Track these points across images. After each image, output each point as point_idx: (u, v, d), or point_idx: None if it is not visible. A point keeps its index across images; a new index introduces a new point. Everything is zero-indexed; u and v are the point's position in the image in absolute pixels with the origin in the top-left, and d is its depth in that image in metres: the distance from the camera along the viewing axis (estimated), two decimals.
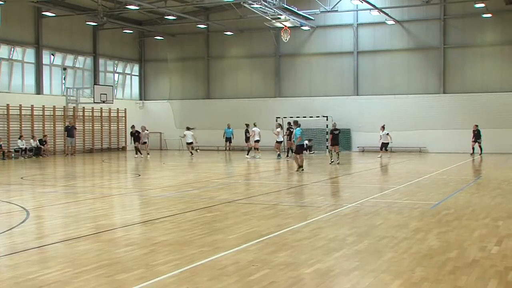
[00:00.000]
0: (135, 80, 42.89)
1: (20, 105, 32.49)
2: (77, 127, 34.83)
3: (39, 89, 34.31)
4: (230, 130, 35.25)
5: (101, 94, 35.56)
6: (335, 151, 25.48)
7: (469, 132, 33.05)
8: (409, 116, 35.27)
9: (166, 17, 36.55)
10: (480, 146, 31.52)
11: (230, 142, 35.45)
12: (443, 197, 13.82)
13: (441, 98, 35.13)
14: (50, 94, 35.20)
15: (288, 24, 33.58)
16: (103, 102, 35.84)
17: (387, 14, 34.40)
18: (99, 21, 35.03)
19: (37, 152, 32.28)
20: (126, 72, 42.09)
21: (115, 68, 41.28)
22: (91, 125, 37.57)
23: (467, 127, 33.66)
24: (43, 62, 34.60)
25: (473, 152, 31.46)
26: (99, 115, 38.12)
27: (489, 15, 33.51)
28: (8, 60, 32.64)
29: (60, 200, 14.08)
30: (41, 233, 10.03)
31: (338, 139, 25.95)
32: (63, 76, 36.94)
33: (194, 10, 38.37)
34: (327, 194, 15.09)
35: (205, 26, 39.63)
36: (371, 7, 33.16)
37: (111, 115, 39.26)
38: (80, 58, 37.71)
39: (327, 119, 35.40)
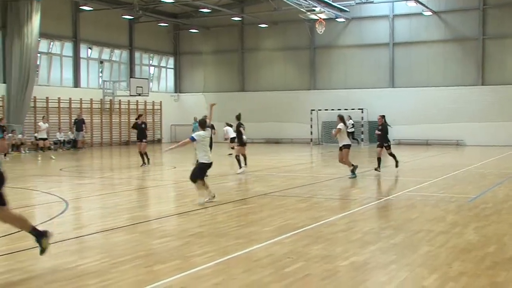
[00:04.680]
0: (170, 73, 43.23)
1: (59, 98, 33.07)
2: (85, 120, 33.24)
3: (76, 82, 34.87)
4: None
5: (137, 87, 35.93)
6: (238, 154, 18.43)
7: (509, 125, 32.34)
8: (445, 108, 34.68)
9: (200, 10, 36.68)
10: (392, 154, 18.26)
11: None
12: (481, 191, 13.57)
13: (479, 90, 34.42)
14: (87, 87, 35.74)
15: (323, 16, 33.35)
16: (139, 95, 36.21)
17: (423, 5, 33.84)
18: (134, 15, 35.39)
19: (75, 144, 32.84)
20: (161, 65, 42.45)
21: (151, 61, 41.67)
22: (127, 118, 38.00)
23: (506, 119, 32.99)
24: (81, 56, 35.15)
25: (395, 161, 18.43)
26: (135, 107, 38.53)
27: None
28: (47, 54, 33.25)
29: (98, 192, 14.31)
30: (80, 223, 10.21)
31: (242, 137, 18.63)
32: (100, 69, 37.46)
33: (229, 3, 38.41)
34: (362, 187, 14.97)
35: (240, 19, 39.65)
36: None
37: (147, 108, 39.66)
38: (117, 52, 38.17)
39: (362, 112, 35.15)
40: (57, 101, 32.99)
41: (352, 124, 31.72)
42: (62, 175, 18.87)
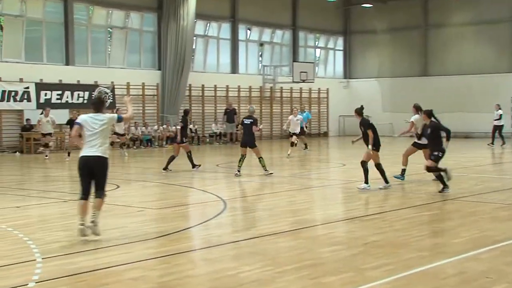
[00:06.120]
0: (339, 55, 43.31)
1: (215, 85, 34.52)
2: (240, 111, 34.04)
3: (234, 68, 36.18)
4: (305, 114, 27.31)
5: (300, 72, 36.44)
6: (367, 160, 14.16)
7: None
8: None
9: None
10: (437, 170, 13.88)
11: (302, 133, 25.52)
12: None
13: None
14: (246, 73, 36.94)
15: None
16: (303, 81, 36.72)
17: None
18: None
19: (231, 137, 34.09)
20: (328, 46, 42.69)
21: (317, 42, 42.06)
22: (289, 108, 38.70)
23: None
24: (239, 38, 36.38)
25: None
26: (299, 96, 39.13)
27: None
28: (203, 36, 34.88)
29: (257, 191, 14.75)
30: (239, 226, 10.60)
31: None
32: (260, 53, 38.53)
33: None
34: None
35: None
36: None
37: (312, 96, 40.11)
38: (278, 32, 39.01)
39: None
40: (213, 89, 34.47)
41: (500, 115, 28.53)
42: (219, 171, 19.72)
